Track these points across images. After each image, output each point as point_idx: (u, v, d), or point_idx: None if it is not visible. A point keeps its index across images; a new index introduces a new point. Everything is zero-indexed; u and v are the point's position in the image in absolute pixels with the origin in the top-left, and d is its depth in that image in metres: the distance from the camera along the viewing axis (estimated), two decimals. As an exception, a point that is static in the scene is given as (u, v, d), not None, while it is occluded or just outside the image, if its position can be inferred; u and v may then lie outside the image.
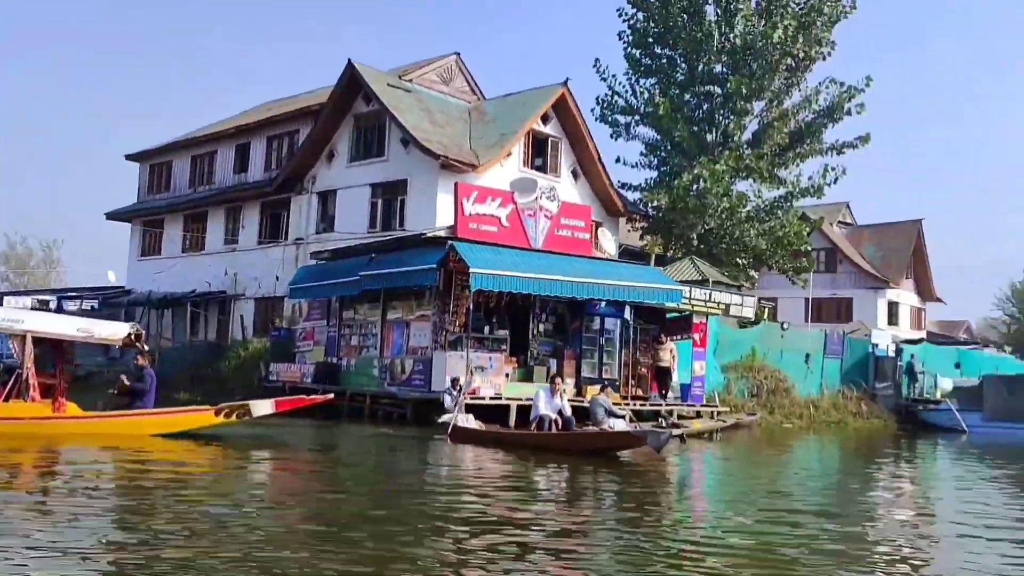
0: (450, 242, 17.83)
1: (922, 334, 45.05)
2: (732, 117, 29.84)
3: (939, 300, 50.41)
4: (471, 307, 18.18)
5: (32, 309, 37.80)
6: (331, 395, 16.24)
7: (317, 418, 19.93)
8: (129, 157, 36.23)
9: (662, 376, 20.49)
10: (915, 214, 70.57)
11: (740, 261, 30.45)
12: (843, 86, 30.02)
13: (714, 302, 21.58)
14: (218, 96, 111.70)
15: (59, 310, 35.39)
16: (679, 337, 21.27)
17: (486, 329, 19.45)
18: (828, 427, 27.59)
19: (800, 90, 30.03)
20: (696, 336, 21.58)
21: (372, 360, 20.90)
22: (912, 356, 31.46)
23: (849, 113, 29.73)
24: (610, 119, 32.98)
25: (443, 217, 24.87)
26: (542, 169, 27.81)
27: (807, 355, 30.43)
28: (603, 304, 20.40)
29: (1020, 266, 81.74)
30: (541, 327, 20.50)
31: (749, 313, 23.60)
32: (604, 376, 20.53)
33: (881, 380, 31.68)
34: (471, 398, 17.97)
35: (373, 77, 27.02)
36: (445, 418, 15.63)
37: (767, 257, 30.35)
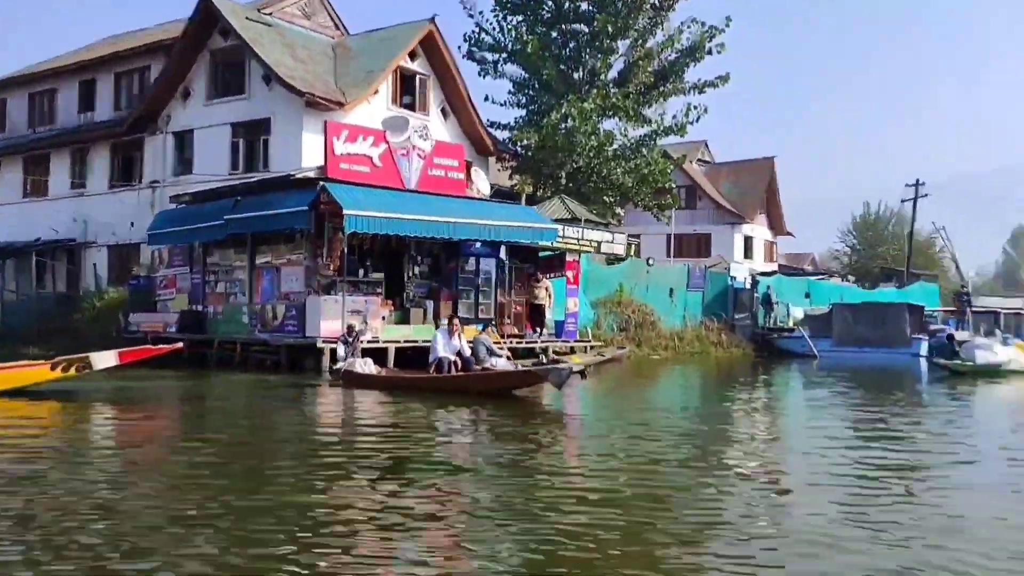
0: (321, 183, 17.31)
1: (774, 266, 47.34)
2: (599, 56, 30.03)
3: (789, 234, 53.06)
4: (345, 250, 17.79)
5: None
6: (180, 344, 15.16)
7: (182, 369, 19.18)
8: (-43, 94, 33.19)
9: (537, 314, 20.73)
10: (768, 152, 73.38)
11: (607, 199, 30.98)
12: (704, 26, 30.65)
13: (586, 240, 21.94)
14: (59, 28, 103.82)
15: None
16: (553, 275, 21.55)
17: (360, 272, 19.10)
18: (692, 357, 28.79)
19: (664, 30, 30.48)
20: (569, 274, 21.91)
21: (241, 307, 20.21)
22: (768, 287, 33.03)
23: (710, 53, 30.43)
24: (478, 56, 32.65)
25: (310, 157, 24.08)
26: (411, 107, 27.26)
27: (671, 289, 31.51)
28: (478, 244, 20.36)
29: (862, 199, 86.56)
30: (416, 269, 20.31)
31: (620, 250, 24.15)
32: (480, 316, 20.58)
33: (739, 311, 33.22)
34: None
35: (230, 9, 25.62)
36: (342, 365, 15.31)
37: (633, 195, 30.99)
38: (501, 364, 14.49)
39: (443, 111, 28.37)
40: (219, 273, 21.19)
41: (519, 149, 31.24)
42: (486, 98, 31.37)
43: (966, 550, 5.17)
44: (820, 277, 42.55)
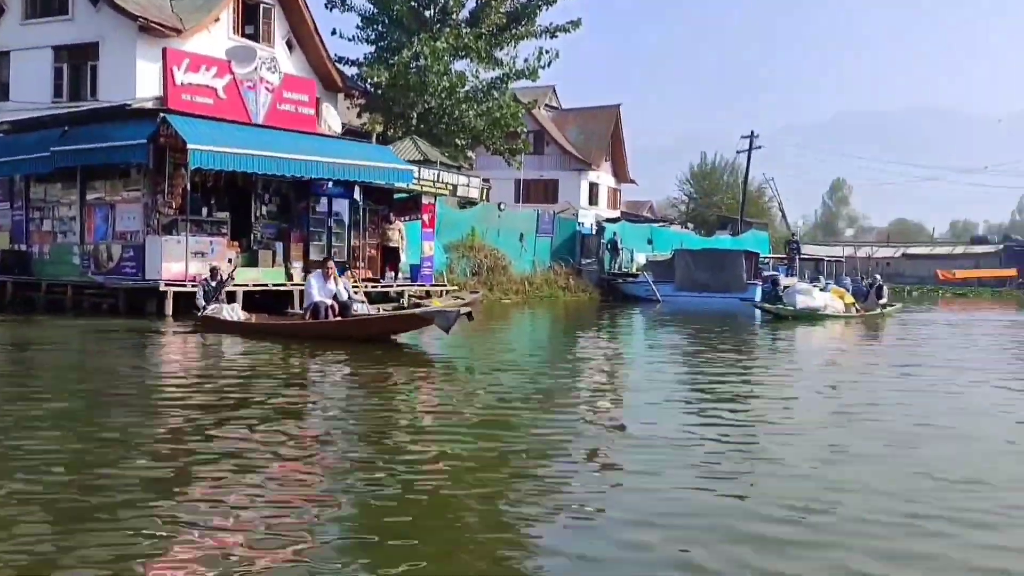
0: (162, 115, 16.11)
1: (617, 213, 48.54)
2: (454, -7, 29.40)
3: (632, 182, 54.45)
4: (188, 187, 16.73)
5: None
6: None
7: (6, 313, 17.69)
8: None
9: (391, 257, 20.32)
10: (614, 99, 74.49)
11: (459, 141, 30.64)
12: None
13: (442, 183, 21.58)
14: None
15: None
16: (408, 218, 21.14)
17: (204, 211, 18.06)
18: (541, 301, 29.20)
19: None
20: (425, 217, 21.56)
21: (71, 247, 18.72)
22: (614, 234, 33.82)
23: (559, -3, 30.38)
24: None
25: (144, 87, 22.51)
26: (254, 38, 25.84)
27: (521, 234, 31.75)
28: (330, 184, 19.65)
29: (699, 149, 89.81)
30: (264, 209, 19.40)
31: (476, 194, 23.97)
32: (334, 259, 19.95)
33: (587, 256, 33.92)
34: (192, 285, 16.79)
35: (49, -81, 23.31)
36: (207, 311, 14.33)
37: (484, 138, 30.78)
38: (361, 309, 14.07)
39: (288, 43, 27.08)
40: (45, 210, 19.53)
41: (368, 87, 30.32)
42: (333, 31, 30.09)
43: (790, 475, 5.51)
44: (662, 224, 44.02)
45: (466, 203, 28.39)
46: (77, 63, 23.49)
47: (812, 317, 21.49)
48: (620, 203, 53.58)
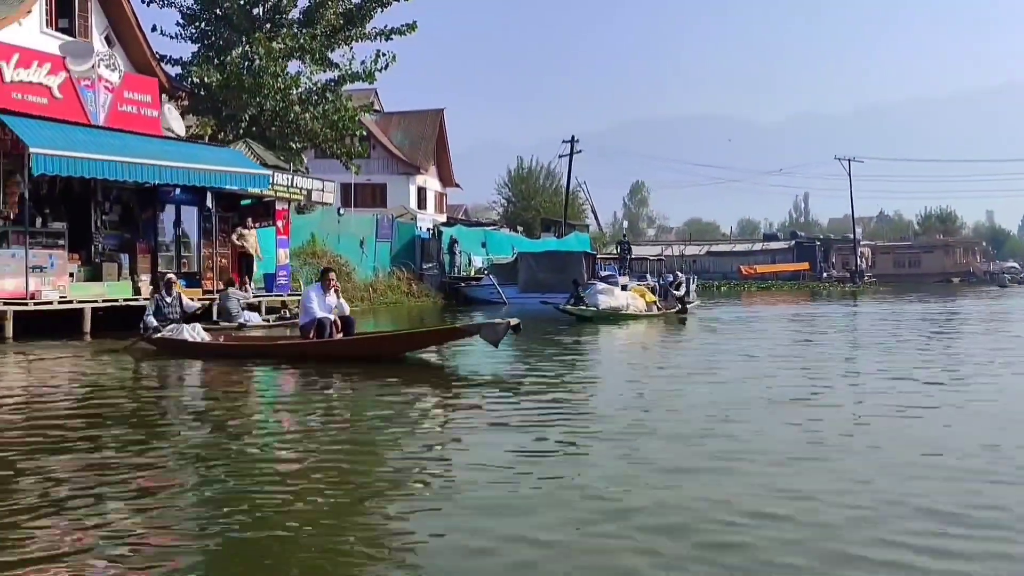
0: (-3, 115, 14.49)
1: (444, 217, 48.67)
2: (287, -9, 28.32)
3: (457, 185, 54.73)
4: (26, 195, 15.15)
5: None
6: None
7: None
8: None
9: (246, 266, 19.30)
10: (436, 103, 74.50)
11: (294, 145, 29.57)
12: (389, -29, 30.04)
13: (296, 188, 20.74)
14: None
15: None
16: (261, 224, 20.15)
17: (39, 222, 16.41)
18: (387, 307, 28.76)
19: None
20: (279, 223, 20.62)
21: None
22: (452, 238, 33.88)
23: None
24: (141, -20, 29.24)
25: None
26: (68, 32, 23.61)
27: (362, 240, 31.20)
28: (178, 191, 18.42)
29: (514, 153, 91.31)
30: (104, 218, 17.88)
31: (330, 199, 23.24)
32: (184, 270, 18.73)
33: (427, 261, 33.82)
34: (35, 304, 15.23)
35: None
36: (163, 332, 12.61)
37: (320, 141, 29.89)
38: (256, 319, 13.26)
39: (107, 39, 24.96)
40: None
41: (194, 87, 28.64)
42: (153, 28, 28.17)
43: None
44: (493, 227, 44.49)
45: (303, 208, 27.45)
46: None
47: (614, 317, 21.05)
48: (446, 207, 53.69)
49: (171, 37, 29.76)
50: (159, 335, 12.57)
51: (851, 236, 71.09)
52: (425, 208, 47.60)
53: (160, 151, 17.08)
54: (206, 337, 12.50)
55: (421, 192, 48.50)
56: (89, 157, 15.10)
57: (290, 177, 20.87)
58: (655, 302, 23.41)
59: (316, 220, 28.64)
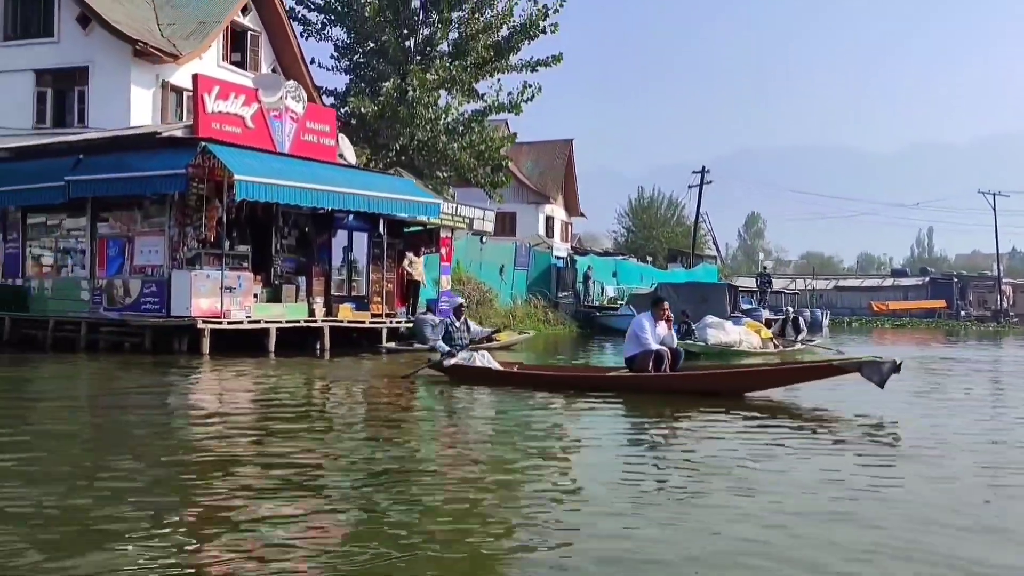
0: (202, 144, 15.34)
1: (568, 247, 48.83)
2: (439, 25, 29.13)
3: (582, 215, 54.89)
4: (223, 219, 15.98)
5: None
6: None
7: (13, 351, 16.48)
8: None
9: (413, 291, 19.82)
10: (564, 132, 75.14)
11: (441, 174, 30.28)
12: (536, 3, 30.56)
13: (460, 216, 21.25)
14: None
15: None
16: (427, 251, 20.69)
17: (226, 245, 17.24)
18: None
19: (504, 2, 30.06)
20: (443, 251, 21.13)
21: (79, 281, 17.61)
22: (588, 267, 34.02)
23: (544, 32, 30.42)
24: (299, 15, 30.63)
25: (139, 114, 21.64)
26: (241, 65, 25.13)
27: (501, 267, 31.58)
28: (351, 217, 19.08)
29: (622, 181, 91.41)
30: (283, 242, 18.66)
31: (489, 227, 23.73)
32: (353, 293, 19.37)
33: (563, 289, 33.98)
34: (228, 322, 15.99)
35: (35, -63, 22.20)
36: (458, 359, 11.90)
37: (466, 170, 30.50)
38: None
39: (274, 71, 26.36)
40: (43, 242, 18.38)
41: (348, 117, 29.70)
42: (312, 60, 29.48)
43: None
44: (623, 258, 44.40)
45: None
46: (62, 88, 22.34)
47: (725, 354, 19.24)
48: (571, 236, 53.90)
49: (327, 69, 31.05)
50: (451, 362, 11.92)
51: (988, 273, 67.99)
52: (552, 236, 47.88)
53: (340, 178, 17.75)
54: (496, 364, 11.95)
55: (549, 221, 48.85)
56: (284, 184, 15.82)
57: (454, 205, 21.34)
58: (771, 338, 21.72)
59: (460, 247, 29.11)
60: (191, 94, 22.50)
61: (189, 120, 21.92)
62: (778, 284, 50.22)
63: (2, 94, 22.49)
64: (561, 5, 30.40)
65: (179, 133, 16.47)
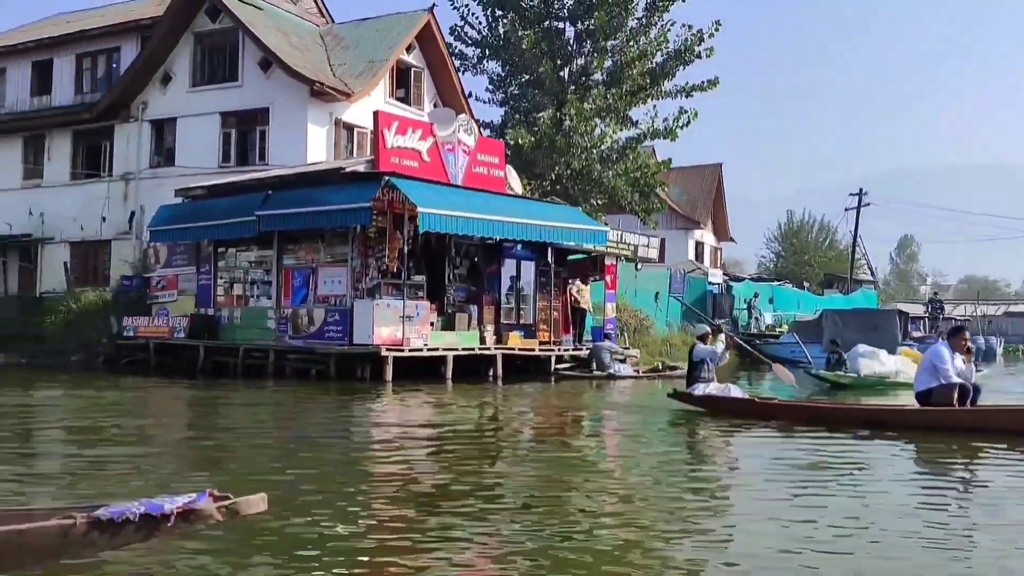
0: (387, 178, 15.95)
1: (722, 273, 47.86)
2: (595, 54, 29.34)
3: (731, 240, 53.81)
4: (406, 250, 16.52)
5: None
6: None
7: (195, 378, 17.52)
8: None
9: (579, 319, 19.89)
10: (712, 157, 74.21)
11: (595, 202, 30.33)
12: (691, 29, 30.32)
13: (624, 243, 21.24)
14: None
15: None
16: (594, 279, 20.76)
17: (403, 274, 17.79)
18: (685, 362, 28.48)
19: (658, 29, 29.98)
20: (607, 278, 21.15)
21: (265, 311, 18.58)
22: (755, 294, 33.35)
23: (700, 56, 30.14)
24: (457, 51, 31.47)
25: (315, 151, 22.68)
26: (405, 101, 26.01)
27: (656, 294, 31.23)
28: (519, 246, 19.36)
29: (766, 204, 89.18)
30: (455, 271, 19.10)
31: (654, 254, 23.70)
32: (521, 321, 19.60)
33: (719, 316, 33.21)
34: (409, 350, 16.46)
35: (222, -11, 23.77)
36: (710, 388, 11.48)
37: (620, 197, 30.44)
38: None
39: (435, 105, 27.15)
40: (234, 273, 19.50)
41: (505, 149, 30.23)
42: (469, 94, 30.23)
43: None
44: (779, 283, 43.18)
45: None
46: (245, 128, 23.70)
47: (879, 385, 17.67)
48: (721, 262, 52.85)
49: (483, 102, 31.72)
50: (704, 391, 11.46)
51: None
52: (702, 262, 47.09)
53: (512, 209, 18.07)
54: (743, 394, 11.59)
55: (699, 247, 48.11)
56: (463, 215, 16.25)
57: (619, 233, 21.34)
58: None
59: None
60: (362, 130, 23.80)
61: (360, 155, 23.02)
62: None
63: (192, 136, 24.10)
64: (716, 30, 30.06)
65: (361, 168, 17.15)
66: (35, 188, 26.57)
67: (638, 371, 18.48)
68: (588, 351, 18.92)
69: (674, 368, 18.07)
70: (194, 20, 24.21)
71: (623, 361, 15.47)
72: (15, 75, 27.57)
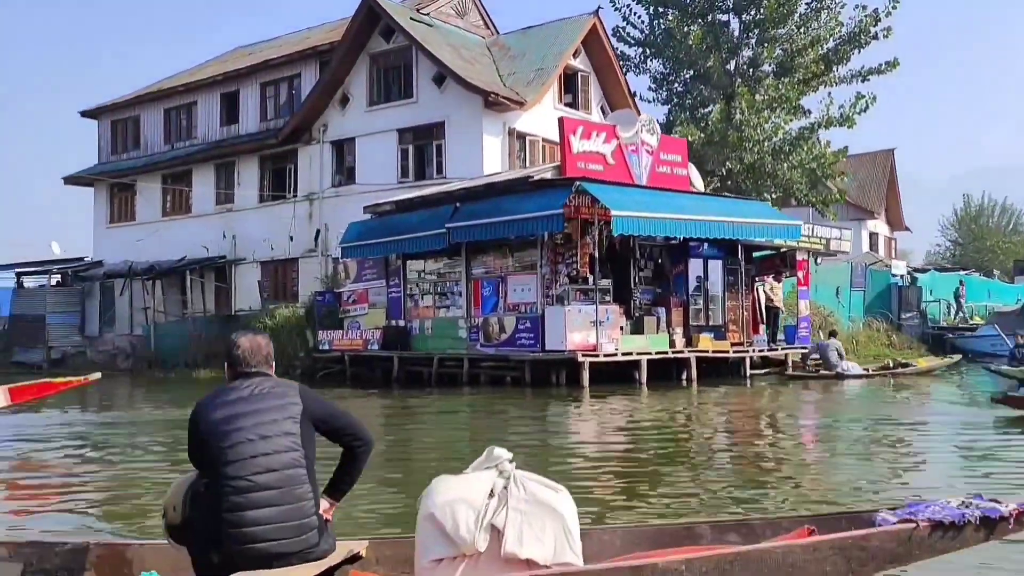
0: (577, 183, 15.89)
1: (905, 264, 45.34)
2: (764, 45, 28.42)
3: (907, 229, 51.03)
4: (596, 255, 16.43)
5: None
6: (98, 375, 11.90)
7: (391, 388, 18.00)
8: (85, 114, 32.42)
9: (773, 318, 19.23)
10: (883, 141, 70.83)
11: (768, 196, 29.34)
12: (864, 9, 28.89)
13: (817, 237, 20.41)
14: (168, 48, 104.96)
15: (19, 287, 31.98)
16: (787, 275, 20.06)
17: (590, 279, 17.69)
18: (872, 359, 27.10)
19: (832, 15, 28.73)
20: (799, 274, 20.37)
21: (456, 321, 18.91)
22: (961, 283, 31.79)
23: (876, 37, 28.69)
24: (618, 52, 31.21)
25: (490, 161, 22.92)
26: (573, 106, 25.97)
27: (837, 289, 29.90)
28: (705, 245, 18.90)
29: (959, 189, 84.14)
30: (640, 274, 18.85)
31: (847, 247, 22.65)
32: (710, 323, 19.12)
33: (906, 310, 31.50)
34: (604, 355, 16.33)
35: (395, 10, 24.49)
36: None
37: (796, 189, 29.33)
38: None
39: (602, 109, 27.02)
40: (423, 285, 19.95)
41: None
42: (632, 94, 29.90)
43: None
44: (967, 272, 40.55)
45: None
46: (421, 143, 24.27)
47: None
48: (896, 253, 50.14)
49: (647, 101, 31.31)
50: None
51: None
52: (877, 253, 44.80)
53: (700, 207, 17.64)
54: None
55: (872, 238, 45.81)
56: (655, 216, 15.98)
57: (812, 227, 20.54)
58: None
59: (794, 269, 28.05)
60: (533, 138, 23.94)
61: (533, 163, 23.16)
62: None
63: (371, 154, 24.92)
64: (894, 7, 28.52)
65: (548, 175, 17.19)
66: (227, 212, 28.15)
67: (867, 369, 17.75)
68: (810, 350, 18.38)
69: (906, 365, 17.16)
70: (369, 42, 25.02)
71: (842, 358, 14.83)
72: (205, 107, 29.36)
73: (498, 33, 28.55)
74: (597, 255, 16.95)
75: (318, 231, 25.69)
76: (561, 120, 17.70)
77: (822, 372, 16.85)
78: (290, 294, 26.27)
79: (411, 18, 24.72)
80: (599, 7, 25.90)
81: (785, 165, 28.47)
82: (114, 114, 31.87)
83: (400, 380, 19.20)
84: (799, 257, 20.19)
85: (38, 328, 29.81)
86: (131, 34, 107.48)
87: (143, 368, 26.34)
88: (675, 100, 31.26)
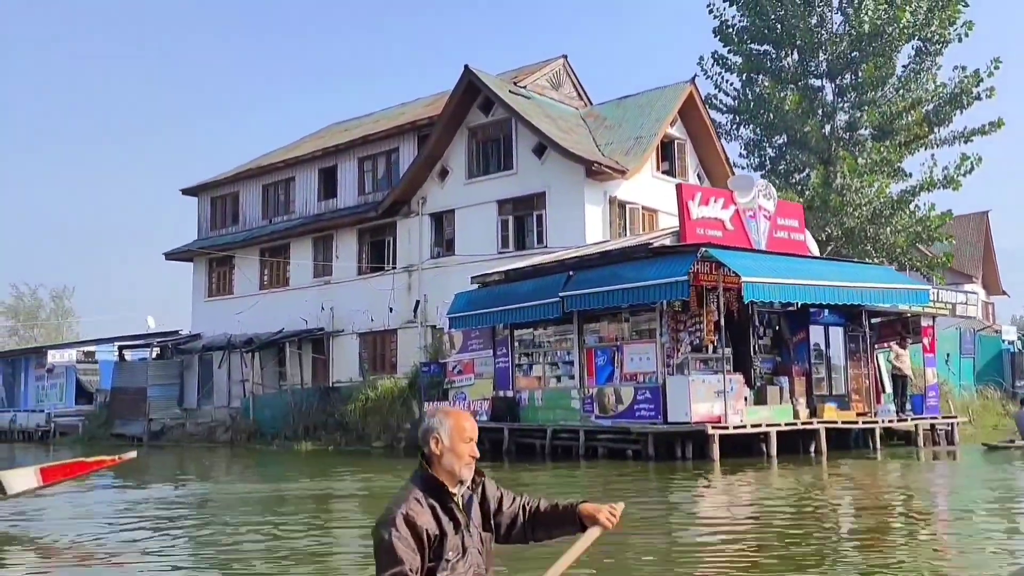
0: (702, 249, 15.59)
1: (1016, 330, 43.63)
2: (864, 108, 28.00)
3: (1004, 293, 49.28)
4: (722, 323, 15.98)
5: (78, 362, 34.84)
6: (133, 454, 10.81)
7: (499, 459, 17.59)
8: (187, 192, 33.41)
9: (900, 386, 18.44)
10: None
11: (870, 261, 28.56)
12: (965, 70, 28.35)
13: (942, 302, 19.64)
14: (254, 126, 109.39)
15: (120, 360, 32.62)
16: (912, 342, 19.28)
17: (709, 348, 17.21)
18: (992, 432, 25.80)
19: (930, 76, 28.27)
20: (925, 340, 19.57)
21: (569, 391, 18.52)
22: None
23: (979, 98, 28.08)
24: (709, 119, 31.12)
25: (592, 231, 22.78)
26: (670, 173, 25.78)
27: (947, 355, 28.72)
28: (826, 312, 18.31)
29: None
30: (759, 342, 18.29)
31: (973, 312, 21.85)
32: (833, 393, 18.41)
33: (1019, 377, 30.15)
34: (733, 427, 15.74)
35: (495, 84, 24.81)
36: None
37: (900, 254, 28.51)
38: None
39: (699, 176, 26.82)
40: (532, 355, 19.67)
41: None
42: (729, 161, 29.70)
43: None
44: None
45: None
46: (521, 214, 24.27)
47: None
48: (993, 318, 48.33)
49: (739, 167, 30.99)
50: None
51: None
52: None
53: (823, 272, 17.13)
54: None
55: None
56: (786, 283, 15.51)
57: (937, 291, 19.80)
58: None
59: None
60: (633, 206, 23.78)
61: (634, 232, 22.96)
62: None
63: (470, 225, 25.00)
64: (996, 67, 27.93)
65: (667, 241, 16.92)
66: (325, 284, 28.45)
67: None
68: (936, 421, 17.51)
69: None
70: (468, 116, 25.34)
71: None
72: (303, 182, 29.99)
73: (591, 104, 28.69)
74: (722, 322, 16.50)
75: (417, 302, 25.73)
76: (679, 186, 17.51)
77: (1016, 443, 15.99)
78: (389, 365, 26.24)
79: (510, 91, 25.00)
80: (695, 75, 25.95)
81: (888, 229, 27.77)
82: (214, 191, 32.76)
83: (511, 452, 18.81)
84: (923, 323, 19.40)
85: (139, 400, 30.30)
86: (224, 110, 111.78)
87: (242, 440, 26.44)
88: (768, 166, 30.92)
